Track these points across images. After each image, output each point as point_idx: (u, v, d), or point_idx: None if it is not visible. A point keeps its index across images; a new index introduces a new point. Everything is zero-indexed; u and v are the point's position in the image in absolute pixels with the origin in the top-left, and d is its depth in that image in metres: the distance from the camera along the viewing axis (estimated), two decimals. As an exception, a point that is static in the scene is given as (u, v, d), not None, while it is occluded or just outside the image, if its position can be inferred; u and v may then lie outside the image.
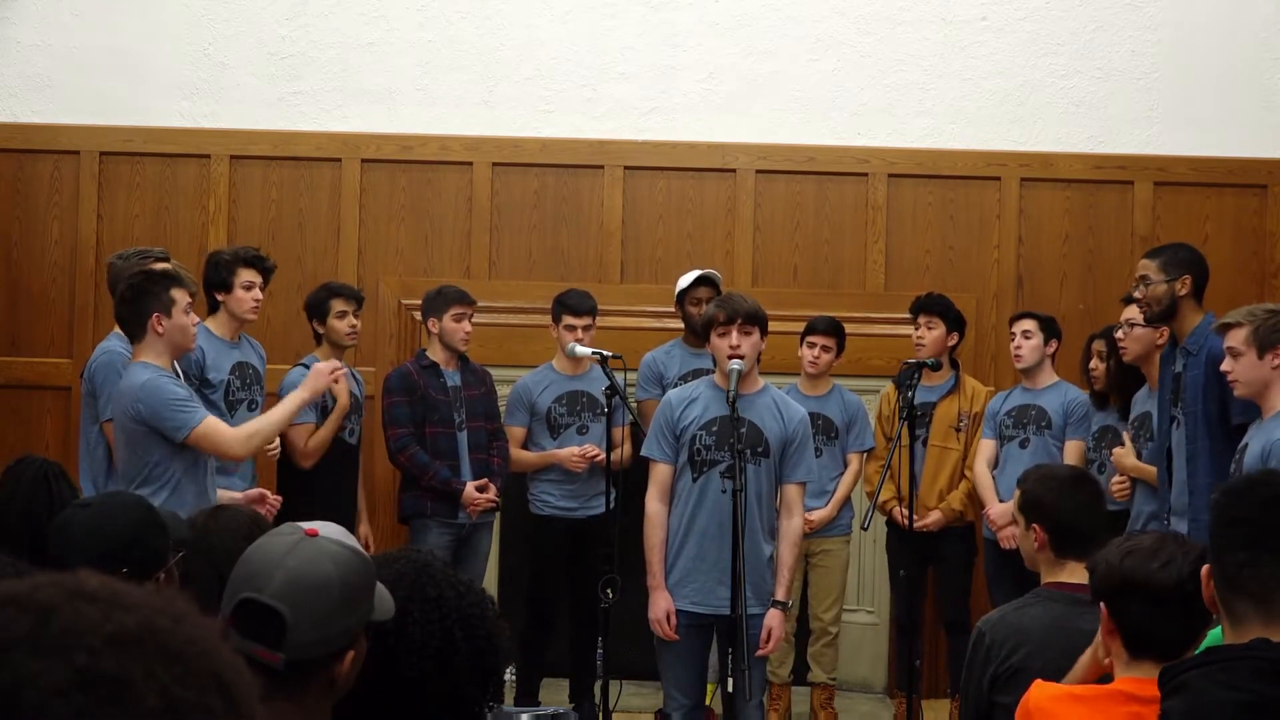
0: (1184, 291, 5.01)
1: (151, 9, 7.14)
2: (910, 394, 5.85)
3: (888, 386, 6.56)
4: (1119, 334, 5.66)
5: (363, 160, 7.10)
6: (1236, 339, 4.59)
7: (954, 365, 6.43)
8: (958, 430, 6.31)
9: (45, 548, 3.14)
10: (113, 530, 2.86)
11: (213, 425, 4.61)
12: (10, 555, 2.82)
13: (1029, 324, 6.26)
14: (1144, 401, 5.67)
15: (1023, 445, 6.18)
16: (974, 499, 6.29)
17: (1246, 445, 4.55)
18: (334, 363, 5.26)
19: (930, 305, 6.32)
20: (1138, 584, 2.52)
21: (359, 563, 2.02)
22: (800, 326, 6.43)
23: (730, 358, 4.79)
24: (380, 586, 2.08)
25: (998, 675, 3.16)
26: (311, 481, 5.90)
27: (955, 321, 6.35)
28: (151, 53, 7.12)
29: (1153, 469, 5.41)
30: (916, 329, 6.33)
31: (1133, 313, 5.58)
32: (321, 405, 6.04)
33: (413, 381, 6.14)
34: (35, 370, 7.06)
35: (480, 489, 6.05)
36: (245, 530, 2.88)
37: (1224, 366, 4.63)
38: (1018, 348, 6.25)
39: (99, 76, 7.11)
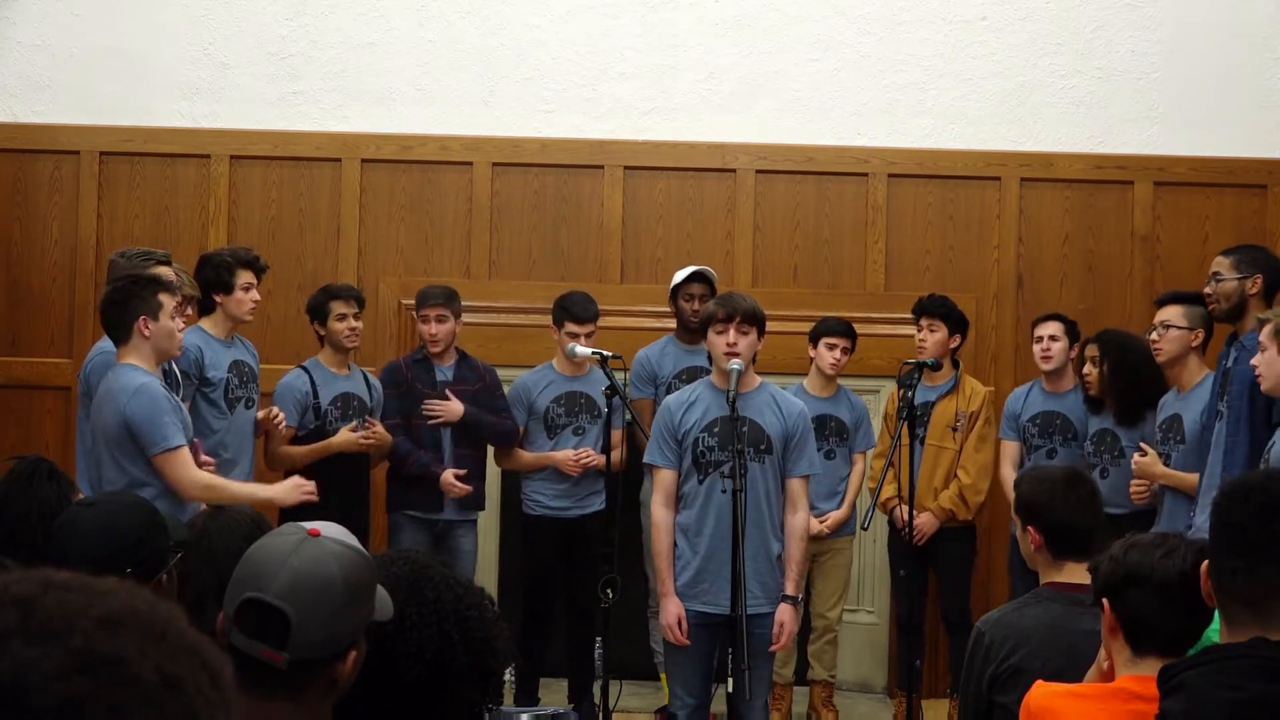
0: (1254, 290, 5.04)
1: (151, 9, 7.14)
2: (911, 394, 5.84)
3: (893, 386, 6.56)
4: (1153, 335, 5.63)
5: (363, 160, 7.10)
6: (1263, 335, 4.61)
7: (954, 365, 6.43)
8: (954, 430, 6.31)
9: (20, 542, 3.14)
10: (119, 530, 2.86)
11: (181, 457, 4.62)
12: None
13: (1055, 327, 6.24)
14: (1172, 405, 5.63)
15: (1050, 455, 6.16)
16: (965, 499, 6.27)
17: (1275, 444, 4.54)
18: (307, 487, 5.15)
19: (932, 308, 6.31)
20: (1140, 575, 2.53)
21: (362, 563, 2.02)
22: (800, 326, 6.43)
23: (727, 355, 4.80)
24: (380, 587, 2.08)
25: (997, 675, 3.16)
26: (316, 480, 5.90)
27: (957, 324, 6.35)
28: (151, 53, 7.13)
29: (1182, 475, 5.39)
30: (919, 330, 6.32)
31: (1168, 314, 5.57)
32: (316, 406, 6.04)
33: (401, 375, 6.20)
34: (35, 370, 7.06)
35: (461, 479, 6.07)
36: (245, 530, 2.88)
37: (1253, 361, 4.65)
38: (1046, 350, 6.21)
39: (99, 76, 7.11)
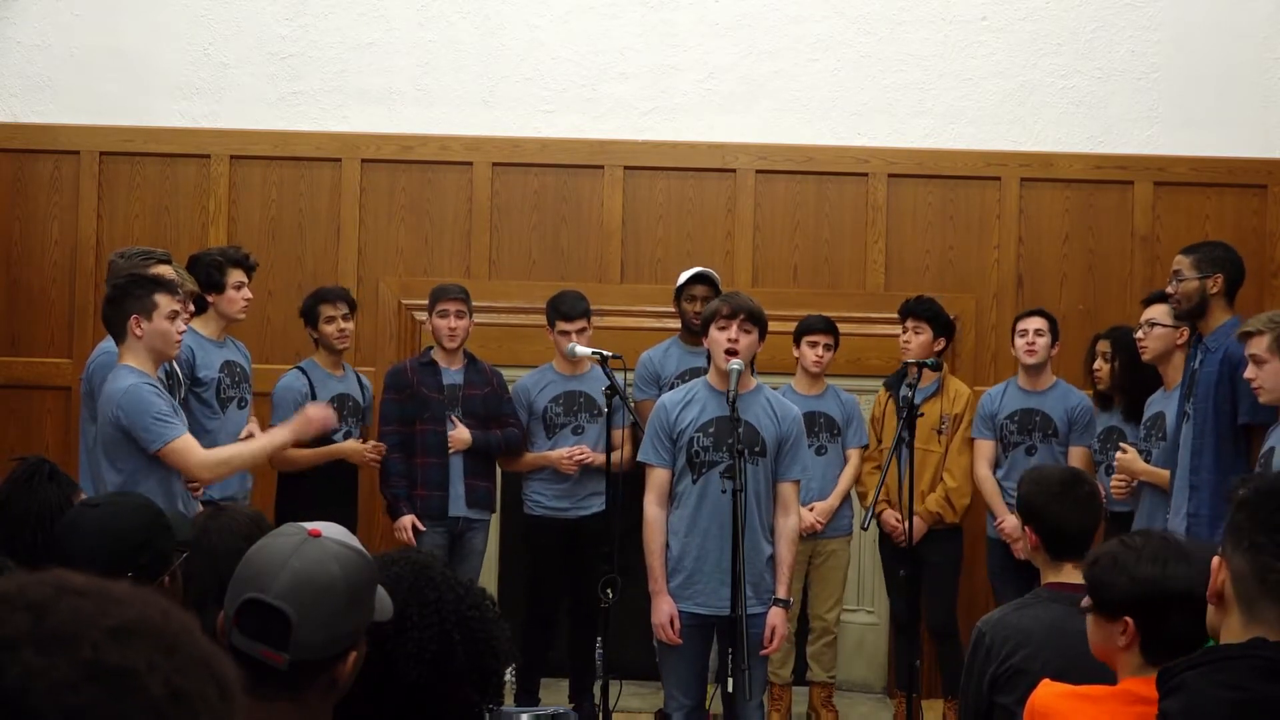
0: (1215, 290, 5.02)
1: (151, 9, 7.14)
2: (911, 394, 5.84)
3: (879, 389, 6.55)
4: (1139, 333, 5.64)
5: (363, 160, 7.10)
6: (1259, 346, 4.58)
7: (939, 367, 6.42)
8: (939, 432, 6.30)
9: (21, 544, 3.13)
10: (123, 532, 2.85)
11: (187, 444, 4.58)
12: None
13: (1041, 323, 6.23)
14: (1159, 403, 5.65)
15: (1029, 452, 6.15)
16: (951, 502, 6.27)
17: (1274, 449, 4.53)
18: (327, 413, 5.21)
19: (918, 309, 6.30)
20: (1181, 594, 2.51)
21: (362, 563, 2.02)
22: (801, 327, 6.42)
23: (727, 352, 4.79)
24: (380, 587, 2.08)
25: (998, 676, 3.16)
26: (306, 481, 5.94)
27: (943, 326, 6.33)
28: (151, 53, 7.13)
29: (1162, 472, 5.41)
30: (903, 332, 6.31)
31: (1154, 313, 5.58)
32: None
33: (406, 379, 6.17)
34: (35, 370, 7.06)
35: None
36: (245, 530, 2.88)
37: (1247, 374, 4.62)
38: (1030, 344, 6.20)
39: (99, 76, 7.11)
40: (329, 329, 6.09)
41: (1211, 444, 4.89)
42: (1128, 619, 2.56)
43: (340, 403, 6.12)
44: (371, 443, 6.10)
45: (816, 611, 6.42)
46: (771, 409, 4.95)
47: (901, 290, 6.85)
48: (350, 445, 6.05)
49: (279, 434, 5.02)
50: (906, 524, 5.75)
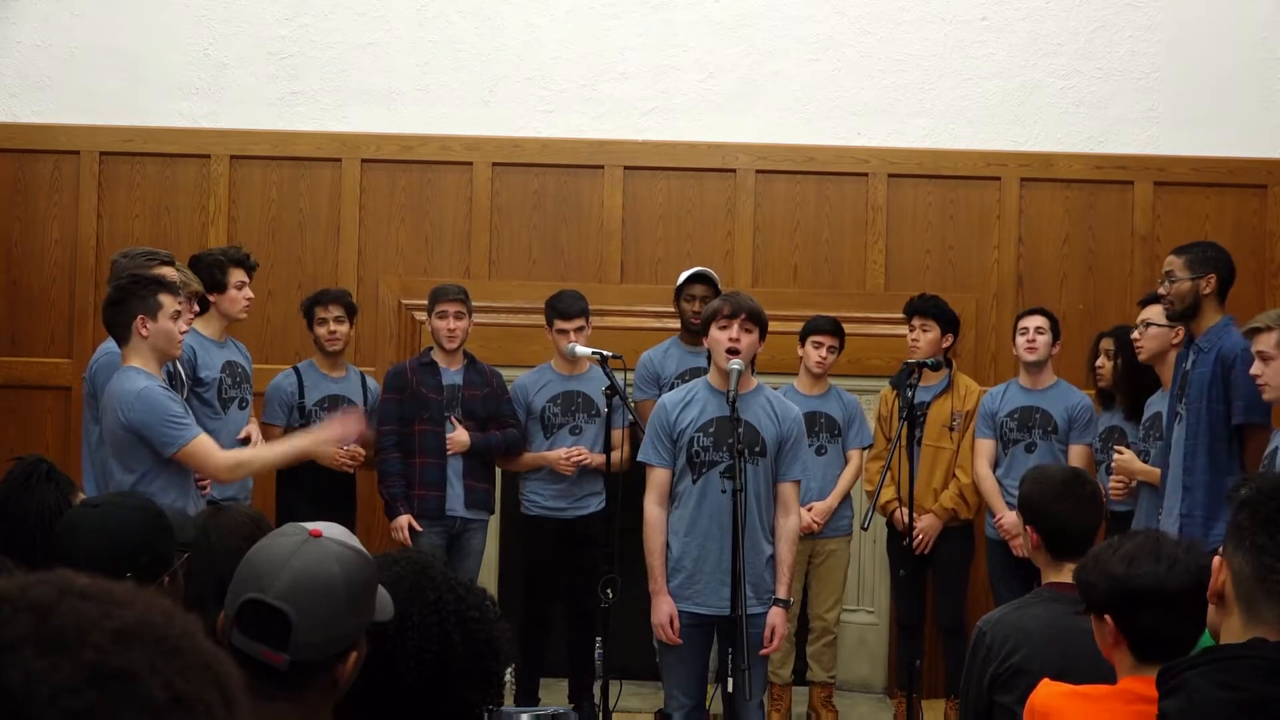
0: (1208, 290, 5.02)
1: (151, 9, 7.14)
2: (911, 394, 5.84)
3: (885, 387, 6.56)
4: (1135, 334, 5.65)
5: (363, 160, 7.10)
6: (1267, 342, 4.57)
7: (948, 364, 6.43)
8: (951, 429, 6.31)
9: (19, 544, 3.13)
10: (122, 533, 2.84)
11: (203, 445, 4.57)
12: None
13: (1042, 320, 6.25)
14: (1157, 403, 5.65)
15: (1029, 449, 6.16)
16: (966, 498, 6.28)
17: (1278, 449, 4.53)
18: (340, 436, 5.18)
19: (925, 308, 6.32)
20: (1149, 592, 2.51)
21: (363, 564, 2.02)
22: (800, 326, 6.43)
23: (728, 351, 4.79)
24: (381, 588, 2.08)
25: (997, 675, 3.16)
26: (305, 481, 5.93)
27: (950, 323, 6.35)
28: (151, 53, 7.12)
29: (1159, 471, 5.41)
30: (910, 331, 6.33)
31: (1150, 313, 5.58)
32: (301, 406, 6.08)
33: (405, 380, 6.17)
34: (35, 370, 7.06)
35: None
36: (245, 530, 2.87)
37: (1253, 370, 4.62)
38: (1031, 342, 6.21)
39: (99, 76, 7.11)
40: (320, 331, 6.14)
41: (1205, 445, 4.89)
42: (1107, 617, 2.57)
43: (333, 404, 6.14)
44: (350, 446, 6.07)
45: (816, 611, 6.42)
46: (772, 409, 4.95)
47: (901, 290, 6.85)
48: (325, 448, 6.03)
49: (299, 441, 5.00)
50: (914, 523, 5.76)
